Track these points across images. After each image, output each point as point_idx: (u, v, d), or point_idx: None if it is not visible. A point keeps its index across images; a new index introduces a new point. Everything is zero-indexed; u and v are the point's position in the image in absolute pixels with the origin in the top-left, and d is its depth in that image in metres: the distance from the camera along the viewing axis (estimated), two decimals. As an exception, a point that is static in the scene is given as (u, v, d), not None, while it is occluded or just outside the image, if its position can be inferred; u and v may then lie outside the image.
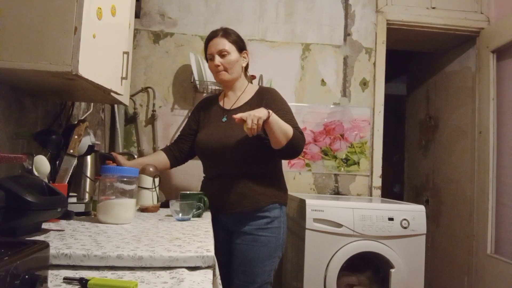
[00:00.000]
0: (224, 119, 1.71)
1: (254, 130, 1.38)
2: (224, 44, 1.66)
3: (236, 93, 1.75)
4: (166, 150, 1.83)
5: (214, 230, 1.53)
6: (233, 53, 1.67)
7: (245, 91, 1.75)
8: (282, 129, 1.49)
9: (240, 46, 1.71)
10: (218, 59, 1.66)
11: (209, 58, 1.71)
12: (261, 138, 1.57)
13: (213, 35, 1.70)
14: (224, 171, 1.65)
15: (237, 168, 1.62)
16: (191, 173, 2.51)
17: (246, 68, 1.80)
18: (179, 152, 1.82)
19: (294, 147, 1.54)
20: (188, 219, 1.41)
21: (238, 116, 1.40)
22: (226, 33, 1.69)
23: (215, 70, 1.69)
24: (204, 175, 1.81)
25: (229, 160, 1.62)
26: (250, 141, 1.57)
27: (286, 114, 1.62)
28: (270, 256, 1.59)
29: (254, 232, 1.59)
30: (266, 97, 1.68)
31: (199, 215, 1.54)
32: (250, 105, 1.68)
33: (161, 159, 1.80)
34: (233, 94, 1.76)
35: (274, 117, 1.46)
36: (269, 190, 1.63)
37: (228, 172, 1.64)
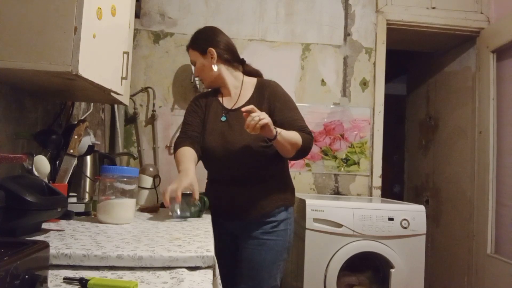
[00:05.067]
0: (224, 119, 1.60)
1: (249, 126, 1.29)
2: (191, 54, 1.65)
3: (234, 91, 1.64)
4: (192, 146, 1.55)
5: (218, 233, 1.50)
6: (198, 60, 1.62)
7: (244, 88, 1.63)
8: (291, 142, 1.43)
9: (202, 48, 1.60)
10: (194, 70, 1.69)
11: None
12: (264, 144, 1.49)
13: (187, 46, 1.69)
14: (227, 175, 1.57)
15: (240, 173, 1.54)
16: (191, 173, 2.51)
17: (231, 61, 1.63)
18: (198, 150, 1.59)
19: (304, 152, 1.50)
20: (188, 216, 1.40)
21: (245, 109, 1.33)
22: (191, 41, 1.65)
23: None
24: (207, 177, 1.72)
25: (231, 164, 1.53)
26: (256, 146, 1.49)
27: (290, 113, 1.54)
28: (276, 260, 1.53)
29: (260, 237, 1.52)
30: (267, 94, 1.57)
31: (199, 215, 1.54)
32: (251, 103, 1.53)
33: (195, 156, 1.54)
34: (231, 92, 1.64)
35: (282, 135, 1.39)
36: (275, 194, 1.55)
37: (231, 177, 1.56)
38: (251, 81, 1.65)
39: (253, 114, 1.30)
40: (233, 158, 1.51)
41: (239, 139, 1.50)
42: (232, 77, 1.64)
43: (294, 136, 1.45)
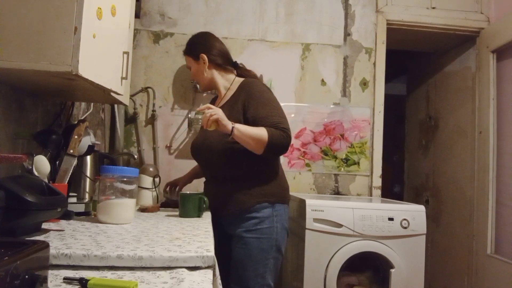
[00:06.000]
0: None
1: (204, 122, 1.38)
2: (186, 59, 1.75)
3: (224, 92, 1.71)
4: None
5: (215, 233, 1.53)
6: (192, 65, 1.72)
7: (231, 88, 1.69)
8: (253, 138, 1.43)
9: (195, 54, 1.70)
10: (191, 74, 1.77)
11: None
12: (229, 140, 1.49)
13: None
14: (211, 174, 1.66)
15: (221, 171, 1.60)
16: (191, 173, 2.51)
17: (223, 65, 1.71)
18: None
19: (275, 149, 1.47)
20: (173, 200, 1.79)
21: (200, 108, 1.43)
22: (185, 48, 1.75)
23: None
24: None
25: (212, 163, 1.62)
26: (228, 144, 1.51)
27: (264, 110, 1.52)
28: (262, 258, 1.52)
29: (244, 235, 1.53)
30: (243, 92, 1.60)
31: (199, 215, 1.54)
32: (229, 103, 1.63)
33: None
34: (222, 94, 1.72)
35: (240, 130, 1.41)
36: (256, 190, 1.55)
37: (214, 175, 1.64)
38: (238, 82, 1.68)
39: (206, 111, 1.38)
40: (210, 155, 1.60)
41: (211, 136, 1.57)
42: (223, 80, 1.72)
43: (257, 131, 1.44)
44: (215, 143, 1.56)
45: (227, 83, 1.71)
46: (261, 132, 1.44)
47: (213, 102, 1.87)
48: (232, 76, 1.73)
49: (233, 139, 1.45)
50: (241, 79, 1.69)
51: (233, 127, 1.40)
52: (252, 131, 1.44)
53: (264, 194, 1.56)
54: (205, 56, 1.68)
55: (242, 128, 1.43)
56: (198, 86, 2.49)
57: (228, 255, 1.59)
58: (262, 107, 1.53)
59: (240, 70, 1.76)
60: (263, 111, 1.52)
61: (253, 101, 1.55)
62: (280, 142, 1.46)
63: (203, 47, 1.70)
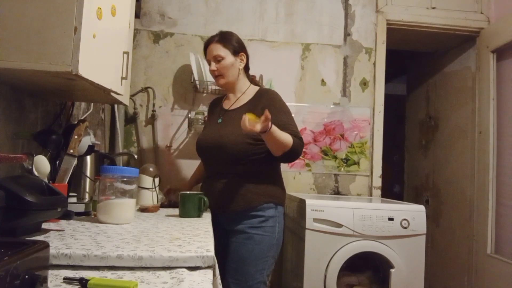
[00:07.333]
0: (220, 120, 1.75)
1: (251, 124, 1.40)
2: (218, 49, 1.71)
3: (236, 95, 1.78)
4: None
5: (213, 230, 1.54)
6: (228, 57, 1.71)
7: (246, 93, 1.77)
8: (281, 141, 1.51)
9: (236, 48, 1.73)
10: (213, 65, 1.72)
11: (208, 63, 1.77)
12: (256, 142, 1.59)
13: (210, 41, 1.75)
14: (219, 170, 1.68)
15: (230, 168, 1.63)
16: (191, 174, 2.51)
17: (246, 69, 1.81)
18: None
19: (292, 155, 1.58)
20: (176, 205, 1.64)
21: (247, 115, 1.44)
22: (221, 37, 1.74)
23: (212, 75, 1.76)
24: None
25: (222, 159, 1.64)
26: (242, 142, 1.59)
27: (284, 118, 1.63)
28: (263, 255, 1.58)
29: (248, 230, 1.59)
30: (264, 100, 1.68)
31: (199, 215, 1.54)
32: (248, 106, 1.69)
33: (202, 168, 1.93)
34: (234, 96, 1.79)
35: (274, 130, 1.48)
36: (263, 190, 1.63)
37: (222, 171, 1.66)
38: (254, 89, 1.78)
39: (245, 117, 1.40)
40: (222, 151, 1.62)
41: (228, 134, 1.62)
42: (242, 84, 1.79)
43: (286, 136, 1.53)
44: (237, 140, 1.59)
45: (244, 87, 1.78)
46: (288, 138, 1.53)
47: (216, 102, 1.92)
48: (248, 82, 1.81)
49: (256, 141, 1.55)
50: (256, 87, 1.79)
51: (270, 127, 1.45)
52: (282, 134, 1.52)
53: (270, 195, 1.64)
54: (244, 56, 1.76)
55: (275, 129, 1.48)
56: (197, 85, 2.48)
57: (224, 251, 1.62)
58: (283, 115, 1.63)
59: (253, 79, 1.86)
60: (284, 119, 1.62)
61: (274, 108, 1.62)
62: (298, 150, 1.58)
63: (242, 46, 1.77)
